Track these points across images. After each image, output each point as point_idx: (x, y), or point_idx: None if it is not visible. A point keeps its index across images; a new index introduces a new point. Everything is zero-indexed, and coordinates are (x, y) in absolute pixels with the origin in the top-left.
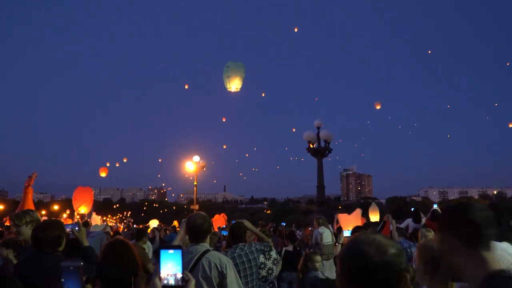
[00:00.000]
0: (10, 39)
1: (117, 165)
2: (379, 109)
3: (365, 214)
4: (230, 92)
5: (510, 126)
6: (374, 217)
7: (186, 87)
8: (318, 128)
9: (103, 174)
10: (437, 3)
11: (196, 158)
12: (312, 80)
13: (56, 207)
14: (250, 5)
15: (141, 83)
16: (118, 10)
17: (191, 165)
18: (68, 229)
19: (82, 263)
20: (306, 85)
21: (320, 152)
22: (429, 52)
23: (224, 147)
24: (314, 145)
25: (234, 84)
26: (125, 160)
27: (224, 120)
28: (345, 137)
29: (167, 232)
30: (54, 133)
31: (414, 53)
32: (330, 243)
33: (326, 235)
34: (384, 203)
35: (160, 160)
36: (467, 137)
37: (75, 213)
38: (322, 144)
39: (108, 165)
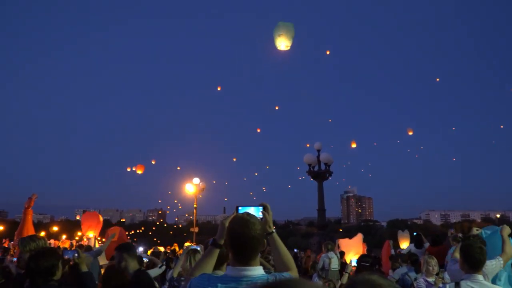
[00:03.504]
0: (9, 63)
1: (153, 162)
2: (411, 134)
3: (366, 238)
4: (280, 50)
5: None
6: (405, 243)
7: (219, 89)
8: (318, 151)
9: (139, 172)
10: (446, 32)
11: (196, 180)
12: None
13: (55, 228)
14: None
15: (144, 106)
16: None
17: (191, 187)
18: (67, 257)
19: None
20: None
21: (320, 175)
22: (437, 80)
23: (234, 159)
24: (314, 168)
25: (284, 42)
26: (153, 162)
27: (258, 130)
28: (350, 159)
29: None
30: (54, 154)
31: (420, 78)
32: (337, 269)
33: (334, 261)
34: (385, 226)
35: (178, 168)
36: (471, 160)
37: (84, 238)
38: (323, 167)
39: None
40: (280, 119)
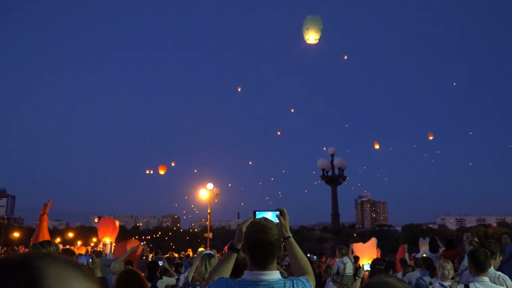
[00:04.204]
0: (26, 69)
1: (172, 164)
2: (431, 139)
3: (380, 243)
4: (309, 43)
5: None
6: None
7: (239, 89)
8: (332, 155)
9: (161, 172)
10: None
11: (210, 185)
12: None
13: (70, 234)
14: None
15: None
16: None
17: (205, 193)
18: (81, 261)
19: None
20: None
21: (334, 180)
22: (454, 84)
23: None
24: (328, 173)
25: (312, 36)
26: (173, 164)
27: (279, 133)
28: (365, 164)
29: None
30: (70, 161)
31: (439, 82)
32: (352, 274)
33: (349, 266)
34: (400, 231)
35: (195, 171)
36: (487, 164)
37: (100, 243)
38: (336, 171)
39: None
40: (298, 123)
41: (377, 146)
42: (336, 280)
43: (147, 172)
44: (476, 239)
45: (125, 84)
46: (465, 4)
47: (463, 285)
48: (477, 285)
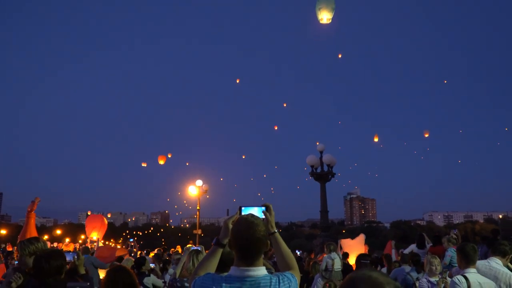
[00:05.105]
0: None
1: (169, 155)
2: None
3: (369, 239)
4: (322, 23)
5: None
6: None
7: (238, 81)
8: (321, 152)
9: (161, 162)
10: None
11: (199, 182)
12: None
13: (58, 231)
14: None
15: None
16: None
17: (194, 190)
18: (68, 259)
19: (88, 284)
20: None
21: (323, 176)
22: (445, 82)
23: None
24: (317, 169)
25: (326, 15)
26: (169, 155)
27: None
28: (356, 161)
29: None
30: (57, 158)
31: (430, 80)
32: (340, 269)
33: (337, 261)
34: (388, 228)
35: (187, 163)
36: (475, 162)
37: (88, 240)
38: (325, 168)
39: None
40: (292, 119)
41: (376, 139)
42: (325, 276)
43: (143, 165)
44: (454, 236)
45: (114, 81)
46: (460, 4)
47: (462, 276)
48: (466, 275)
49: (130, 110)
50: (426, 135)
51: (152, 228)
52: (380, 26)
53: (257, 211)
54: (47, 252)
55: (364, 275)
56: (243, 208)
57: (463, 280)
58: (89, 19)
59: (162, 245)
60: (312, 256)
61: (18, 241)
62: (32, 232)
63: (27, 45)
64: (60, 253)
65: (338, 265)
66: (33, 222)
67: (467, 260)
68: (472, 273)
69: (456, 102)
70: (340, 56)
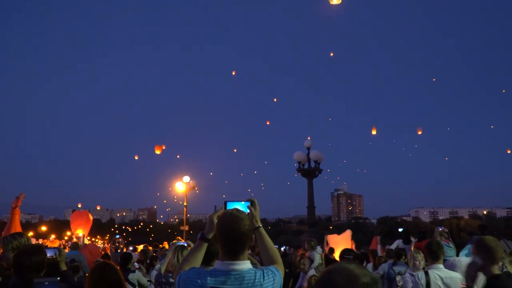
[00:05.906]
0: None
1: (163, 147)
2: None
3: (356, 235)
4: (332, 4)
5: (509, 152)
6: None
7: (233, 73)
8: (308, 148)
9: (158, 152)
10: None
11: (186, 178)
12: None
13: (44, 228)
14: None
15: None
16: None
17: (181, 186)
18: (49, 255)
19: (58, 278)
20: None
21: (310, 173)
22: (434, 79)
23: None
24: (304, 166)
25: None
26: (163, 147)
27: (268, 123)
28: (344, 157)
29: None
30: (43, 154)
31: (417, 78)
32: (321, 264)
33: (318, 258)
34: (375, 224)
35: (178, 156)
36: (461, 159)
37: (73, 236)
38: (312, 164)
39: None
40: (282, 116)
41: (374, 132)
42: (320, 271)
43: (136, 158)
44: (446, 230)
45: (105, 79)
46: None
47: (423, 272)
48: (435, 271)
49: (119, 106)
50: (419, 133)
51: (141, 224)
52: (380, 26)
53: (242, 206)
54: (30, 248)
55: (340, 267)
56: (228, 203)
57: (423, 275)
58: (89, 19)
59: (150, 241)
60: (300, 252)
61: (1, 238)
62: (17, 228)
63: (27, 45)
64: (41, 249)
65: (318, 261)
66: (17, 218)
67: (433, 257)
68: (435, 269)
69: (447, 100)
70: (332, 54)
